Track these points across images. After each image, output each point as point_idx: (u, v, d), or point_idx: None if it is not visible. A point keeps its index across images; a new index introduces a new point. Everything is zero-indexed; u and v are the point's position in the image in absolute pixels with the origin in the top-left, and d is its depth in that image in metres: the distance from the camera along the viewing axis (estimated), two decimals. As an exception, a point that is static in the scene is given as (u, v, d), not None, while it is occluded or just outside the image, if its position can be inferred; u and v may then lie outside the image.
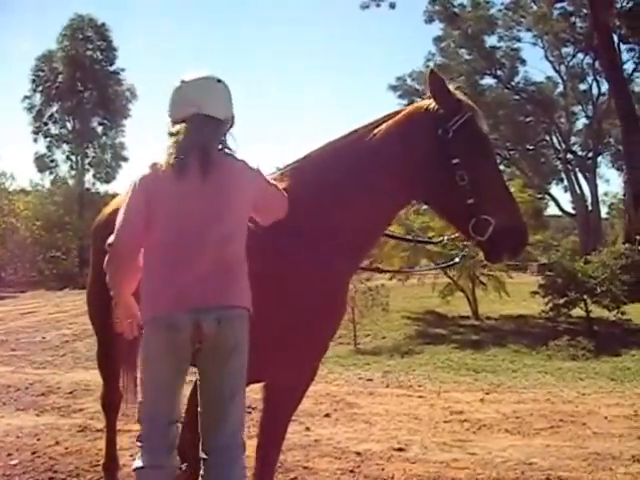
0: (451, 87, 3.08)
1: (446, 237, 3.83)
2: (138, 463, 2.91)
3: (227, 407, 2.88)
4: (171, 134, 2.97)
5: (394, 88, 42.30)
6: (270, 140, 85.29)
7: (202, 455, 2.89)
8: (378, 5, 33.23)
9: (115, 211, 4.11)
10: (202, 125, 2.94)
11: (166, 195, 2.88)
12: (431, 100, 3.09)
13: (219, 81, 3.08)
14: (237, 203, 2.91)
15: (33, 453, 5.62)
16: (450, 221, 3.20)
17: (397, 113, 3.21)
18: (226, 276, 2.84)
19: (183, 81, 3.06)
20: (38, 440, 6.01)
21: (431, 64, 40.24)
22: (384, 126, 3.14)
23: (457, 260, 3.81)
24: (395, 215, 3.37)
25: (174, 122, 3.03)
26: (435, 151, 3.00)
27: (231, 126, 3.09)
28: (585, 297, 14.14)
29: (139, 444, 2.95)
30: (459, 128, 2.96)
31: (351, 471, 5.23)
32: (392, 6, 33.00)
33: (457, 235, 3.37)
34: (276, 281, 3.02)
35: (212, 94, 3.03)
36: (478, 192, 2.92)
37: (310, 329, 3.10)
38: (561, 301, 14.35)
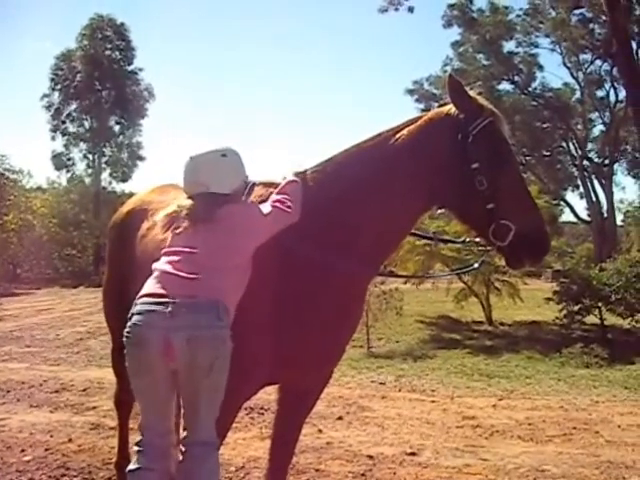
0: (472, 92, 3.06)
1: (468, 238, 3.80)
2: (132, 466, 2.93)
3: (201, 412, 2.92)
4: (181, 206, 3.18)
5: (411, 92, 42.32)
6: (286, 145, 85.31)
7: (181, 447, 2.91)
8: (396, 9, 32.92)
9: (132, 210, 4.14)
10: (208, 202, 3.09)
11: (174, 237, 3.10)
12: (452, 105, 3.08)
13: (224, 155, 3.20)
14: (237, 241, 3.01)
15: (46, 450, 5.64)
16: (470, 226, 3.17)
17: (419, 118, 3.20)
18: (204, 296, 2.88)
19: (192, 157, 3.20)
20: (51, 437, 6.03)
21: (449, 69, 40.22)
22: (405, 131, 3.13)
23: (476, 266, 3.74)
24: (417, 220, 3.33)
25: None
26: (455, 156, 2.98)
27: (246, 189, 3.29)
28: (599, 304, 14.11)
29: (136, 449, 2.97)
30: (479, 133, 2.95)
31: (363, 474, 5.22)
32: (410, 10, 32.64)
33: (478, 239, 3.32)
34: (295, 285, 3.02)
35: (218, 172, 3.16)
36: (498, 197, 2.90)
37: (327, 333, 3.10)
38: (575, 308, 14.33)
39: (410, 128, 3.12)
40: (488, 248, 3.35)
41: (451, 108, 3.07)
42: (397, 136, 3.13)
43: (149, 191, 4.30)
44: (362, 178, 3.11)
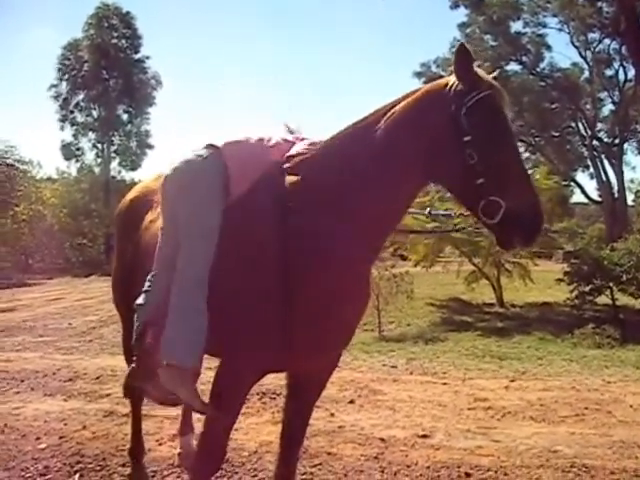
0: (475, 65, 2.97)
1: (455, 212, 3.69)
2: None
3: None
4: None
5: (419, 75, 42.07)
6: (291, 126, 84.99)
7: None
8: (402, -9, 33.01)
9: (136, 198, 4.14)
10: None
11: None
12: (452, 77, 3.00)
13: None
14: None
15: (61, 437, 5.68)
16: (462, 202, 3.04)
17: (416, 91, 3.12)
18: None
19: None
20: (65, 424, 6.07)
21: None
22: (402, 104, 3.07)
23: (457, 228, 3.54)
24: (414, 197, 3.23)
25: None
26: (447, 128, 2.90)
27: None
28: (611, 285, 14.12)
29: None
30: (474, 105, 2.86)
31: (375, 457, 5.24)
32: (417, -8, 32.77)
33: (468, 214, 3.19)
34: (296, 267, 2.99)
35: None
36: (489, 172, 2.79)
37: (333, 316, 3.07)
38: (587, 289, 14.35)
39: (406, 101, 3.06)
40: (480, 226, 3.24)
41: (448, 80, 3.00)
42: (394, 109, 3.06)
43: (153, 178, 4.26)
44: (358, 158, 3.06)
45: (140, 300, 3.35)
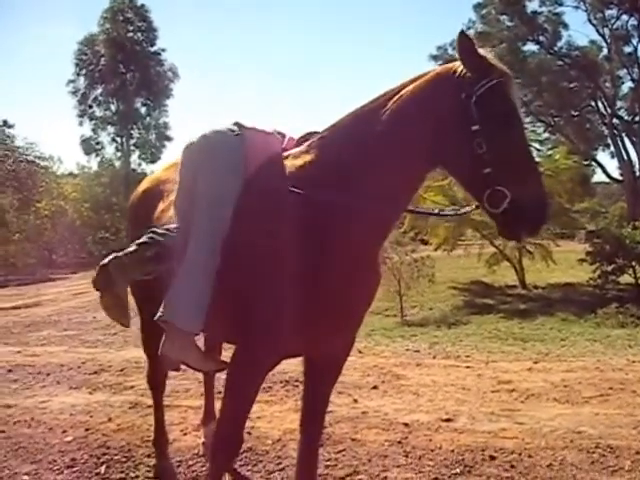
0: (483, 51, 2.91)
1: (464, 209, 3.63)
2: None
3: None
4: None
5: (435, 58, 41.77)
6: (308, 120, 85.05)
7: None
8: (417, -26, 32.80)
9: (148, 189, 4.14)
10: None
11: None
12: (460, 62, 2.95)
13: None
14: None
15: (86, 430, 5.73)
16: (468, 191, 3.02)
17: (426, 74, 3.07)
18: None
19: None
20: (91, 417, 6.13)
21: (472, 32, 39.74)
22: (410, 87, 3.03)
23: (466, 210, 3.48)
24: (420, 183, 3.21)
25: None
26: (456, 116, 2.86)
27: None
28: (634, 264, 14.02)
29: None
30: (485, 93, 2.81)
31: (399, 442, 5.25)
32: (431, -25, 32.56)
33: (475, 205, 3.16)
34: (302, 253, 2.99)
35: None
36: (496, 162, 2.76)
37: (338, 300, 3.06)
38: (609, 268, 14.27)
39: (415, 84, 3.02)
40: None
41: (460, 65, 2.93)
42: (403, 92, 3.03)
43: (165, 168, 4.29)
44: (366, 142, 3.04)
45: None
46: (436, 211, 4.46)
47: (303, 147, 3.27)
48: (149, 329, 4.40)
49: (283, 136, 3.52)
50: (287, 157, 3.27)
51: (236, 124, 3.41)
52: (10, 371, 8.19)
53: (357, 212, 3.00)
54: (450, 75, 2.94)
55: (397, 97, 3.02)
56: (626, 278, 14.53)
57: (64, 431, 5.73)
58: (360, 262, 3.12)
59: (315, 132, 3.35)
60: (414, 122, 2.95)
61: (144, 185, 4.32)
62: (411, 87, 3.01)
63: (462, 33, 2.86)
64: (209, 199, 3.18)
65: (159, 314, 3.13)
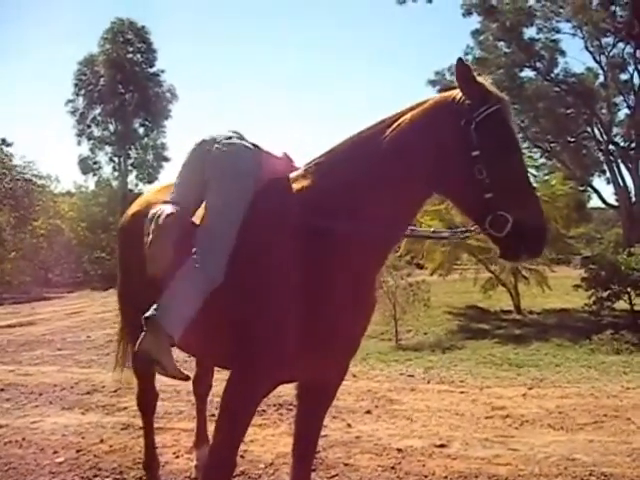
0: (481, 78, 2.98)
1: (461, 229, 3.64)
2: None
3: None
4: None
5: (433, 83, 41.95)
6: (304, 143, 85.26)
7: None
8: (415, 0, 33.02)
9: (138, 212, 4.13)
10: None
11: None
12: (459, 90, 3.00)
13: None
14: None
15: (78, 451, 5.69)
16: (468, 215, 3.07)
17: (424, 102, 3.12)
18: None
19: None
20: (83, 438, 6.08)
21: (469, 58, 39.97)
22: (409, 115, 3.07)
23: (466, 233, 3.50)
24: (419, 208, 3.25)
25: None
26: (456, 142, 2.91)
27: None
28: (629, 290, 14.03)
29: None
30: (484, 120, 2.87)
31: (392, 467, 5.22)
32: (429, 0, 32.78)
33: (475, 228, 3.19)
34: (299, 277, 3.00)
35: None
36: (496, 187, 2.82)
37: (336, 326, 3.07)
38: (604, 294, 14.27)
39: (414, 112, 3.06)
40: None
41: (458, 92, 2.99)
42: (400, 120, 3.07)
43: (155, 191, 4.26)
44: (365, 168, 3.07)
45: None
46: (434, 234, 4.49)
47: (300, 171, 3.30)
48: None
49: (291, 160, 3.53)
50: (287, 177, 3.31)
51: (236, 134, 3.48)
52: (2, 390, 8.14)
53: (355, 238, 3.02)
54: (449, 102, 2.99)
55: (396, 125, 3.05)
56: (621, 304, 14.52)
57: (55, 452, 5.69)
58: (358, 287, 3.13)
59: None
60: (414, 149, 2.99)
61: (134, 208, 4.25)
62: (409, 115, 3.05)
63: (460, 60, 2.91)
64: (222, 210, 3.24)
65: (151, 312, 3.13)
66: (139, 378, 4.57)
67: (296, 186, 3.23)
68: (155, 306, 3.15)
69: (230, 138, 3.43)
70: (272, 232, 3.12)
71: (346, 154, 3.18)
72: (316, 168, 3.25)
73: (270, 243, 3.10)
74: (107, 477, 5.07)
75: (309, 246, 3.03)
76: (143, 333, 3.15)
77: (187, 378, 3.32)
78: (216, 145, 3.40)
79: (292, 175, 3.32)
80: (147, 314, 3.14)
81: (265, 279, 3.05)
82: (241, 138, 3.47)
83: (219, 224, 3.21)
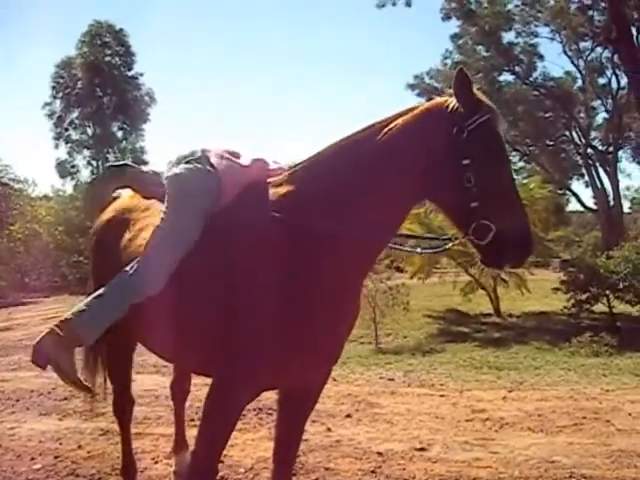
0: (474, 88, 2.97)
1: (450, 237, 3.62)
2: None
3: None
4: None
5: (412, 87, 42.18)
6: (285, 141, 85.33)
7: None
8: (394, 4, 33.03)
9: (113, 218, 4.09)
10: None
11: None
12: (451, 98, 2.99)
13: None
14: None
15: (55, 457, 5.63)
16: (453, 222, 3.06)
17: (414, 108, 3.10)
18: None
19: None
20: (60, 444, 6.01)
21: (449, 62, 40.21)
22: (400, 120, 3.05)
23: (446, 247, 3.50)
24: (407, 213, 3.22)
25: None
26: (447, 149, 2.90)
27: None
28: (607, 293, 14.15)
29: None
30: (475, 129, 2.87)
31: (372, 471, 5.20)
32: (408, 4, 32.74)
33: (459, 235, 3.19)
34: (285, 282, 2.98)
35: None
36: (483, 196, 2.82)
37: (319, 333, 3.05)
38: (583, 297, 14.38)
39: (405, 118, 3.04)
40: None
41: (451, 101, 2.98)
42: (391, 125, 3.04)
43: (130, 197, 4.20)
44: (352, 172, 3.04)
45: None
46: (418, 250, 4.53)
47: (284, 176, 3.26)
48: (115, 358, 4.42)
49: (265, 164, 3.49)
50: (269, 185, 3.26)
51: (204, 152, 3.48)
52: (-21, 396, 8.03)
53: (341, 244, 3.01)
54: (442, 109, 2.98)
55: (386, 129, 3.02)
56: (600, 307, 14.63)
57: (32, 458, 5.61)
58: (342, 294, 3.12)
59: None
60: (404, 154, 2.98)
61: (109, 214, 4.22)
62: (400, 120, 3.03)
63: (461, 69, 2.91)
64: (167, 232, 3.30)
65: (68, 314, 3.24)
66: (113, 382, 4.54)
67: (279, 191, 3.18)
68: (76, 308, 3.24)
69: (188, 158, 3.46)
70: (249, 242, 3.09)
71: (334, 158, 3.15)
72: (301, 173, 3.23)
73: (248, 253, 3.07)
74: (85, 483, 5.01)
75: (291, 253, 3.00)
76: (45, 331, 3.23)
77: (88, 390, 3.49)
78: (172, 167, 3.45)
79: (275, 180, 3.27)
80: (65, 315, 3.22)
81: (245, 289, 3.02)
82: (201, 158, 3.46)
83: (161, 244, 3.26)
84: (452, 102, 2.97)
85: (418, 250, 4.58)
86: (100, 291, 3.27)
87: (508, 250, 2.85)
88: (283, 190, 3.19)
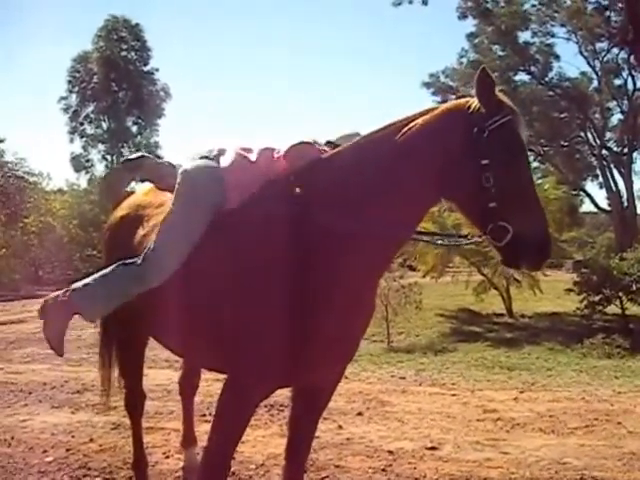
0: (496, 89, 2.94)
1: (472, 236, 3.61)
2: None
3: None
4: None
5: (427, 85, 42.06)
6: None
7: None
8: (410, 2, 32.92)
9: (126, 215, 4.11)
10: None
11: None
12: (472, 98, 2.98)
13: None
14: None
15: (67, 450, 5.66)
16: (471, 222, 3.05)
17: (434, 109, 3.10)
18: None
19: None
20: (72, 437, 6.05)
21: (464, 61, 40.07)
22: (420, 120, 3.03)
23: (470, 240, 3.46)
24: (426, 212, 3.26)
25: None
26: (467, 149, 2.89)
27: None
28: (620, 294, 14.07)
29: None
30: (496, 129, 2.85)
31: (383, 470, 5.20)
32: (424, 2, 32.66)
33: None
34: (302, 280, 2.97)
35: None
36: (501, 197, 2.80)
37: (335, 332, 3.05)
38: (596, 298, 14.31)
39: (425, 117, 3.02)
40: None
41: (472, 101, 2.97)
42: (411, 125, 3.02)
43: (144, 193, 4.23)
44: (372, 169, 3.03)
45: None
46: (439, 241, 4.51)
47: (304, 170, 3.23)
48: (126, 354, 4.53)
49: (272, 151, 3.46)
50: (288, 178, 3.24)
51: (220, 150, 3.49)
52: (-8, 388, 8.08)
53: (360, 242, 3.00)
54: (463, 110, 2.96)
55: (406, 129, 3.01)
56: (613, 309, 14.56)
57: (44, 451, 5.65)
58: (360, 293, 3.12)
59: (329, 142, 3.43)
60: (425, 153, 2.96)
61: (123, 211, 4.23)
62: (421, 120, 3.00)
63: (484, 70, 2.88)
64: (172, 226, 3.34)
65: (73, 287, 3.37)
66: (124, 377, 4.56)
67: (297, 186, 3.17)
68: (80, 284, 3.37)
69: (203, 155, 3.48)
70: (268, 240, 3.08)
71: (354, 155, 3.14)
72: (321, 170, 3.21)
73: (265, 251, 3.06)
74: (96, 477, 5.04)
75: (310, 252, 3.00)
76: (55, 294, 3.39)
77: (60, 354, 3.55)
78: (181, 167, 3.47)
79: (295, 173, 3.25)
80: (74, 285, 3.35)
81: (261, 286, 3.02)
82: (215, 155, 3.48)
83: (167, 238, 3.30)
84: (473, 102, 2.95)
85: (439, 241, 4.56)
86: (106, 270, 3.37)
87: (525, 253, 2.84)
88: (302, 188, 3.17)
